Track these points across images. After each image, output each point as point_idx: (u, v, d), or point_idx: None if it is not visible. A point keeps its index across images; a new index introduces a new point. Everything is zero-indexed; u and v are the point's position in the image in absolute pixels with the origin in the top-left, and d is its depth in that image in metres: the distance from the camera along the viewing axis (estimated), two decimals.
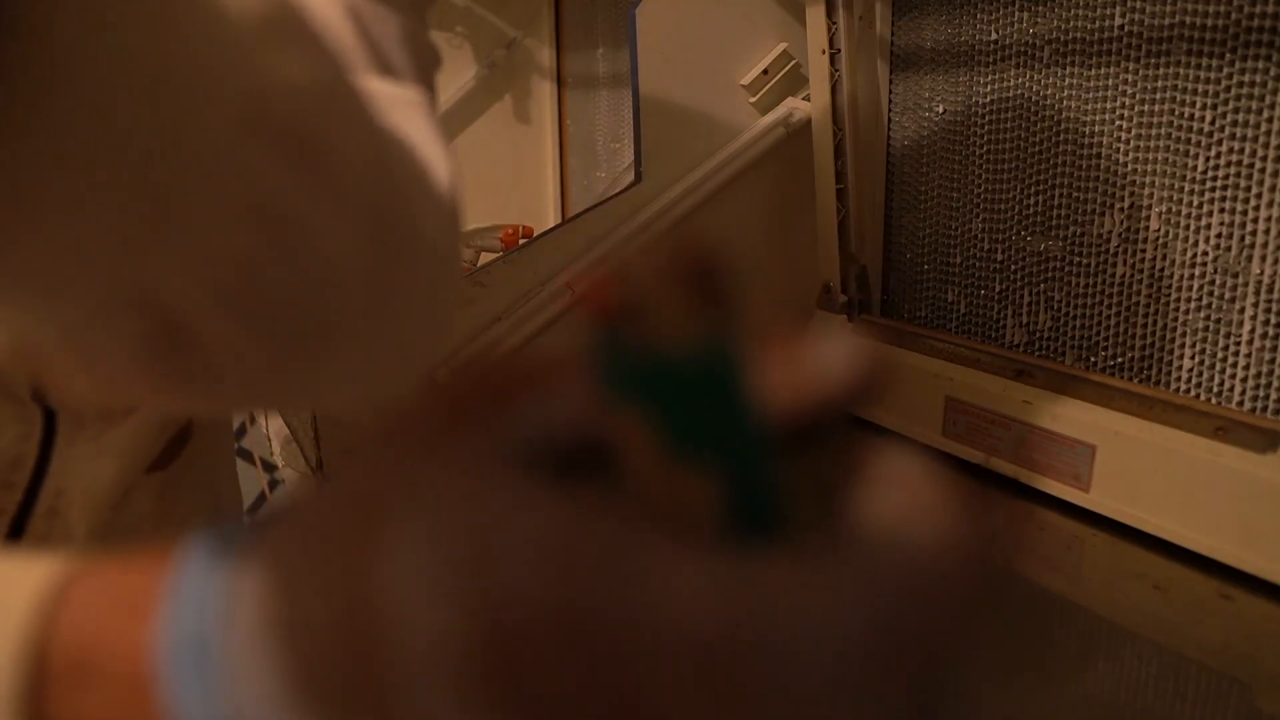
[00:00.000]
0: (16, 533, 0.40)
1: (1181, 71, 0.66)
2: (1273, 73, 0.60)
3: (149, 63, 0.20)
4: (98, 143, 0.19)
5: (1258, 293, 0.63)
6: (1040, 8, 0.75)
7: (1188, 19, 0.65)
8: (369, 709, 0.17)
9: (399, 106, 0.34)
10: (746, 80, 0.98)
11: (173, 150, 0.21)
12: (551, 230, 0.99)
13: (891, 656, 0.15)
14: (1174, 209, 0.68)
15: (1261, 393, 0.64)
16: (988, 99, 0.80)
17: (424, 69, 0.37)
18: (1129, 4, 0.68)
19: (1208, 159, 0.65)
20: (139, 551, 0.22)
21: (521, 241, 1.22)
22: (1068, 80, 0.74)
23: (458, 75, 1.51)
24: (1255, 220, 0.63)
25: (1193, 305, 0.67)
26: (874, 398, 0.19)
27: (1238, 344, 0.65)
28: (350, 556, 0.17)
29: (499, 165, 1.54)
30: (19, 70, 0.18)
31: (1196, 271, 0.67)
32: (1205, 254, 0.66)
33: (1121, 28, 0.69)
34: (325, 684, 0.17)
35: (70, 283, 0.22)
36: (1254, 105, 0.62)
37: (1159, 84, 0.67)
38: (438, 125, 0.36)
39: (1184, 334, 0.68)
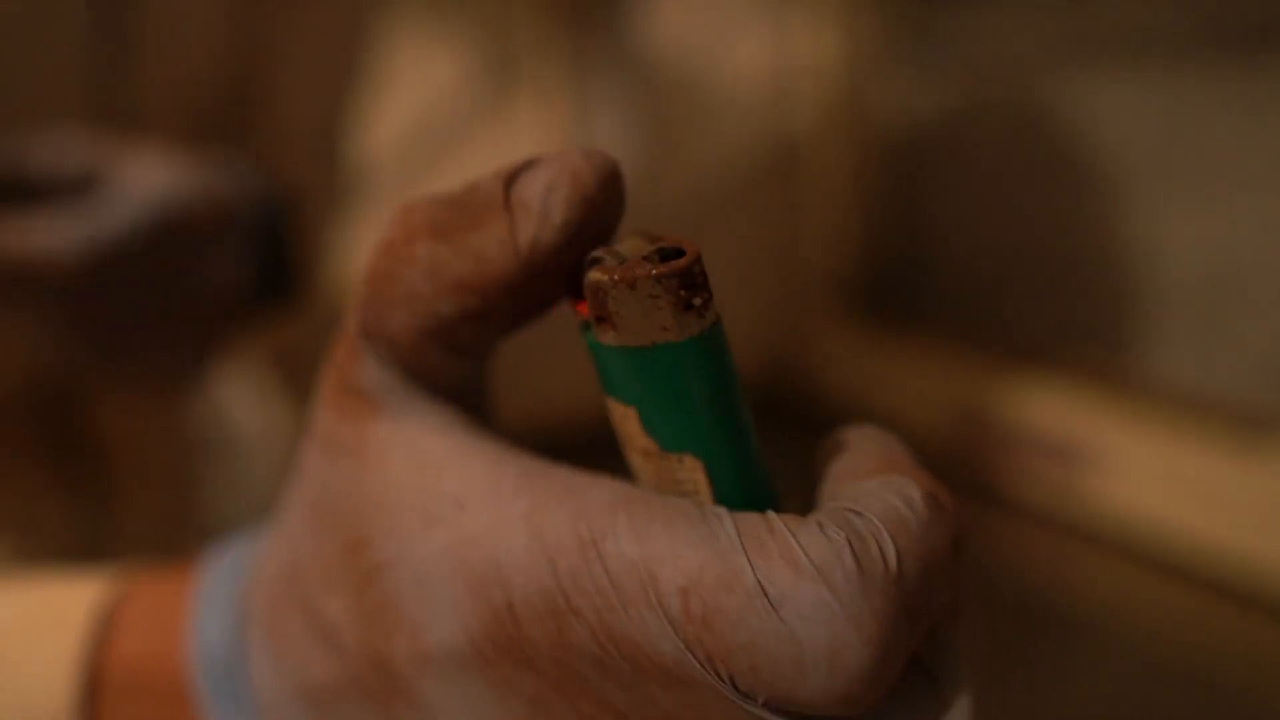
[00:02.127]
0: None
1: (1184, 76, 0.66)
2: (1273, 73, 0.61)
3: None
4: None
5: (1259, 293, 0.63)
6: (1045, 8, 0.75)
7: (1189, 20, 0.65)
8: (385, 694, 0.18)
9: None
10: (751, 79, 0.98)
11: None
12: None
13: (886, 604, 0.15)
14: (1177, 209, 0.68)
15: (1261, 392, 0.64)
16: (994, 98, 0.80)
17: None
18: (1133, 6, 0.68)
19: (1209, 159, 0.65)
20: (173, 568, 0.23)
21: None
22: (1076, 79, 0.74)
23: (456, 75, 1.51)
24: (1256, 220, 0.63)
25: (1195, 305, 0.67)
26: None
27: (1238, 344, 0.65)
28: (353, 563, 0.18)
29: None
30: None
31: (1198, 271, 0.67)
32: (1207, 254, 0.66)
33: (1126, 29, 0.69)
34: (341, 680, 0.19)
35: None
36: (1255, 104, 0.62)
37: (1161, 84, 0.67)
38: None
39: (1185, 334, 0.68)
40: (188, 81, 0.43)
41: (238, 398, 0.81)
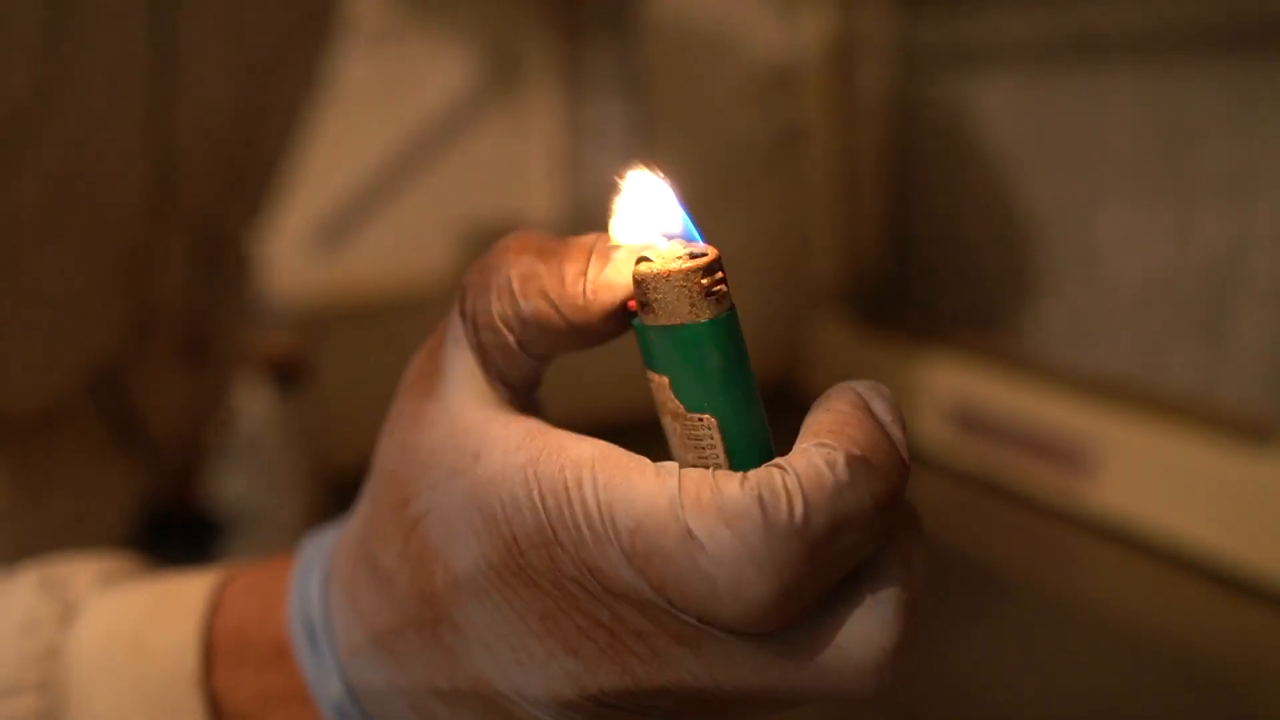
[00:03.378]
0: None
1: (1183, 71, 0.66)
2: (1272, 72, 0.61)
3: None
4: None
5: (1259, 292, 0.64)
6: (1046, 7, 0.75)
7: (1190, 19, 0.65)
8: (433, 622, 0.22)
9: None
10: (751, 79, 0.98)
11: None
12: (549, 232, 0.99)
13: (785, 549, 0.18)
14: (1177, 208, 0.68)
15: (1262, 392, 0.64)
16: (996, 97, 0.80)
17: None
18: (1132, 4, 0.68)
19: (1208, 158, 0.65)
20: (274, 556, 0.28)
21: None
22: (1076, 78, 0.74)
23: (457, 74, 1.52)
24: (1255, 220, 0.63)
25: (1195, 305, 0.68)
26: None
27: (1238, 343, 0.65)
28: (399, 518, 0.23)
29: (498, 165, 1.54)
30: None
31: (1199, 271, 0.67)
32: (1207, 253, 0.66)
33: (1128, 27, 0.69)
34: (398, 619, 0.23)
35: None
36: (1254, 104, 0.62)
37: (1162, 83, 0.67)
38: None
39: (1186, 333, 0.68)
40: (212, 128, 0.50)
41: (242, 394, 0.83)
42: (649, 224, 0.22)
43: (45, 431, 0.48)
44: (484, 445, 0.22)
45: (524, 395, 0.24)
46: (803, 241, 0.97)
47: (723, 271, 0.21)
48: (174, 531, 0.64)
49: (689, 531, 0.19)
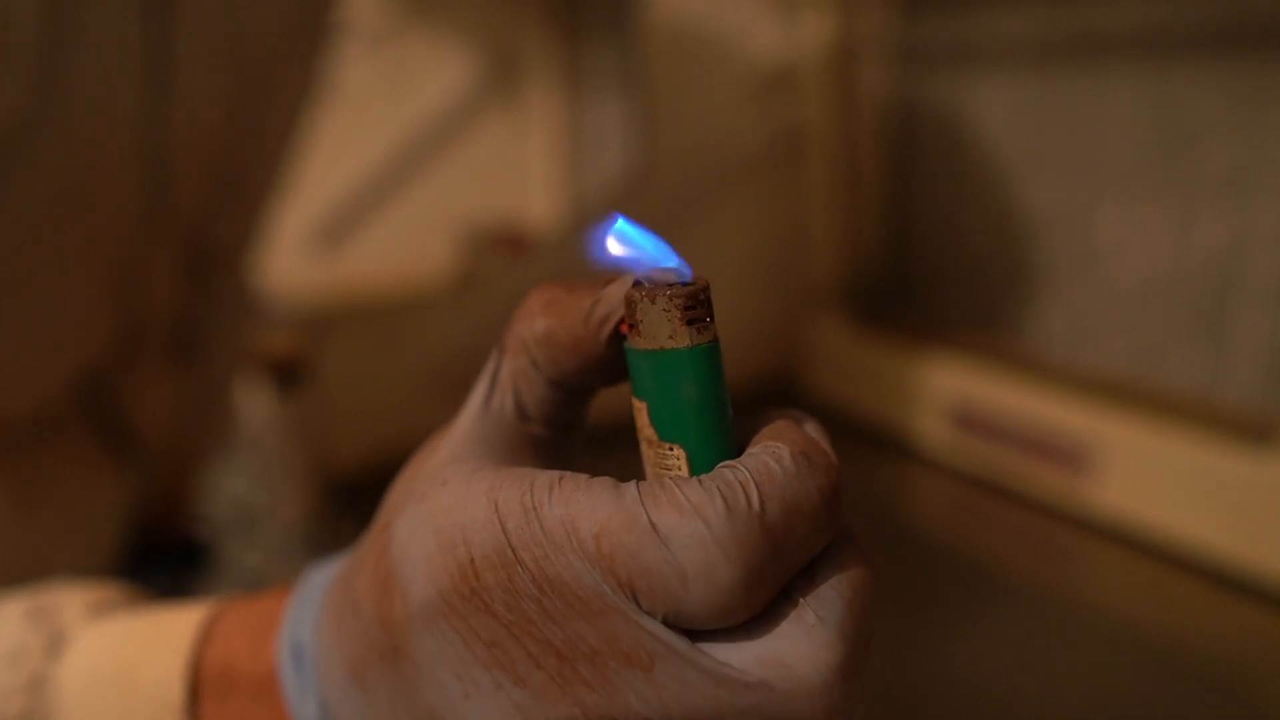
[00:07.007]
0: None
1: (1183, 71, 0.66)
2: (1272, 73, 0.61)
3: None
4: None
5: (1259, 292, 0.64)
6: (1046, 7, 0.75)
7: (1190, 19, 0.65)
8: (392, 652, 0.22)
9: None
10: (751, 79, 0.98)
11: None
12: (549, 232, 0.99)
13: (748, 533, 0.20)
14: (1177, 208, 0.68)
15: (1262, 392, 0.64)
16: (996, 97, 0.80)
17: None
18: (1132, 4, 0.68)
19: (1208, 158, 0.65)
20: (270, 590, 0.29)
21: (518, 245, 1.22)
22: (1076, 78, 0.74)
23: (457, 74, 1.52)
24: (1255, 220, 0.63)
25: (1195, 305, 0.68)
26: None
27: (1238, 343, 0.65)
28: (377, 541, 0.23)
29: (499, 165, 1.54)
30: None
31: (1199, 271, 0.67)
32: (1207, 253, 0.66)
33: (1128, 27, 0.69)
34: (366, 646, 0.23)
35: None
36: (1254, 105, 0.62)
37: (1162, 83, 0.67)
38: None
39: (1186, 333, 0.68)
40: (206, 139, 0.51)
41: (244, 395, 0.83)
42: (642, 257, 0.23)
43: (37, 445, 0.48)
44: (452, 474, 0.22)
45: (552, 436, 0.25)
46: (802, 241, 0.97)
47: (709, 303, 0.22)
48: (159, 556, 0.64)
49: (653, 526, 0.20)
